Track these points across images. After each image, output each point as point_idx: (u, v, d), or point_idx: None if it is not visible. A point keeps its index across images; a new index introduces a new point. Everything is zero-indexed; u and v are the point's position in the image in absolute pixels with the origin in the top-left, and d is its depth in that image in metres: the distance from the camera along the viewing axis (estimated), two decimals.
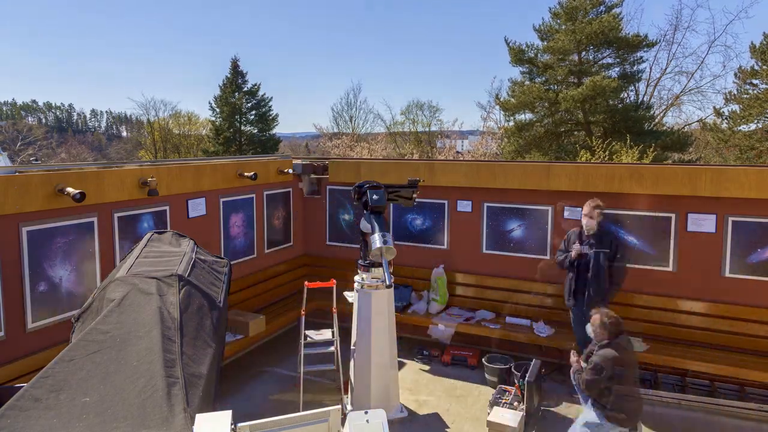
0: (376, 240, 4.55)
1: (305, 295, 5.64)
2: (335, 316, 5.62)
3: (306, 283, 5.62)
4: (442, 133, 33.25)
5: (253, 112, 40.58)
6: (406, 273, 7.19)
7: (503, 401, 5.32)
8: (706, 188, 5.76)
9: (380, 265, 4.97)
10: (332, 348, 5.68)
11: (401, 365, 5.62)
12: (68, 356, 2.30)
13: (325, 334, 5.82)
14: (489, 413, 5.13)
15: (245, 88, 40.01)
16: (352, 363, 5.36)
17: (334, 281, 5.60)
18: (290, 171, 7.80)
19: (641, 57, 28.47)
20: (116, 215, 5.44)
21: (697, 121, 30.09)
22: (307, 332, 5.78)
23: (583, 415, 4.67)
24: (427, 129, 35.22)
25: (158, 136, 46.47)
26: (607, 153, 20.74)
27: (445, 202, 7.20)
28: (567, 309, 6.62)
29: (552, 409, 5.59)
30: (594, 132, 26.88)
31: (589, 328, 4.72)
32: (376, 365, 5.18)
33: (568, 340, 6.21)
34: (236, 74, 39.89)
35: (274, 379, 6.31)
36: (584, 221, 5.69)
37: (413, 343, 7.13)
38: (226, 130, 39.79)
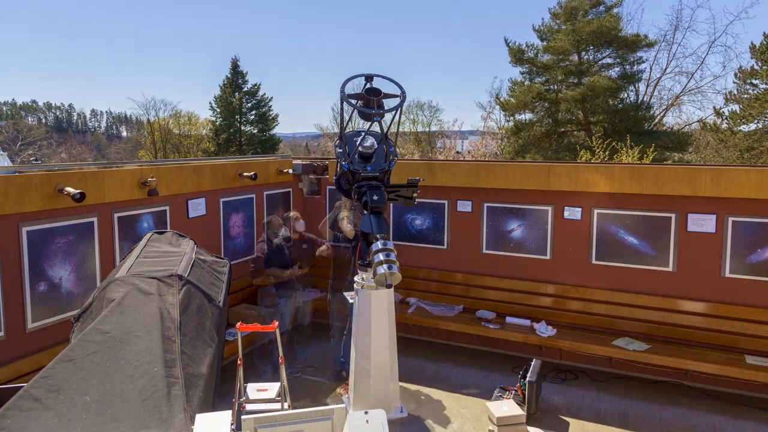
0: (383, 265, 4.39)
1: (240, 342, 4.48)
2: (283, 368, 4.52)
3: (239, 325, 4.45)
4: (442, 133, 33.23)
5: (253, 112, 40.61)
6: (406, 273, 7.19)
7: (504, 400, 5.32)
8: (706, 188, 5.76)
9: None
10: (278, 405, 4.42)
11: (401, 365, 5.61)
12: (68, 356, 2.30)
13: (270, 391, 4.56)
14: (493, 410, 5.12)
15: (245, 88, 40.03)
16: (352, 363, 5.36)
17: (276, 323, 4.56)
18: (290, 171, 7.80)
19: (641, 57, 28.54)
20: (116, 215, 5.44)
21: (697, 121, 30.08)
22: (248, 385, 4.64)
23: None
24: (427, 129, 35.20)
25: (158, 136, 46.44)
26: (607, 153, 20.74)
27: (445, 202, 7.20)
28: (568, 309, 6.62)
29: (552, 409, 5.59)
30: (594, 132, 26.88)
31: None
32: (376, 365, 5.17)
33: (568, 339, 6.22)
34: (236, 74, 39.91)
35: (274, 379, 6.30)
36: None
37: (413, 342, 7.13)
38: (226, 130, 39.80)
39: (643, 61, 28.69)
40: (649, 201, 6.13)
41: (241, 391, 4.51)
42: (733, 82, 27.27)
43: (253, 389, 4.64)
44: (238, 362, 4.44)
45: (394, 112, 4.75)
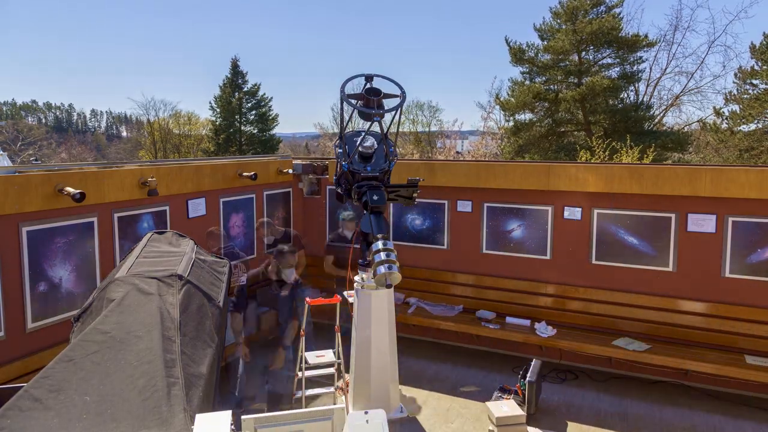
0: (382, 265, 4.40)
1: (306, 314, 5.34)
2: (338, 336, 5.42)
3: (307, 300, 5.34)
4: (442, 133, 33.22)
5: (253, 112, 40.62)
6: (406, 273, 7.18)
7: (504, 400, 5.32)
8: (706, 188, 5.76)
9: None
10: (333, 369, 5.41)
11: (401, 365, 5.61)
12: (68, 356, 2.30)
13: (327, 356, 5.48)
14: (493, 410, 5.12)
15: (245, 88, 40.05)
16: (352, 363, 5.36)
17: (339, 298, 5.38)
18: (290, 171, 7.80)
19: (641, 57, 28.55)
20: (116, 215, 5.44)
21: (697, 121, 30.10)
22: (307, 354, 5.39)
23: None
24: (427, 129, 35.20)
25: (158, 136, 46.44)
26: (607, 153, 20.74)
27: (445, 202, 7.20)
28: (568, 309, 6.62)
29: (552, 409, 5.59)
30: (594, 132, 26.88)
31: None
32: (376, 366, 5.17)
33: (568, 339, 6.22)
34: (236, 74, 39.93)
35: (274, 379, 6.30)
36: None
37: (414, 342, 7.13)
38: (226, 130, 39.80)
39: (643, 61, 28.75)
40: (649, 201, 6.13)
41: (304, 360, 5.33)
42: (733, 82, 27.32)
43: (312, 356, 5.45)
44: (302, 333, 5.29)
45: (394, 112, 4.75)
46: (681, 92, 30.54)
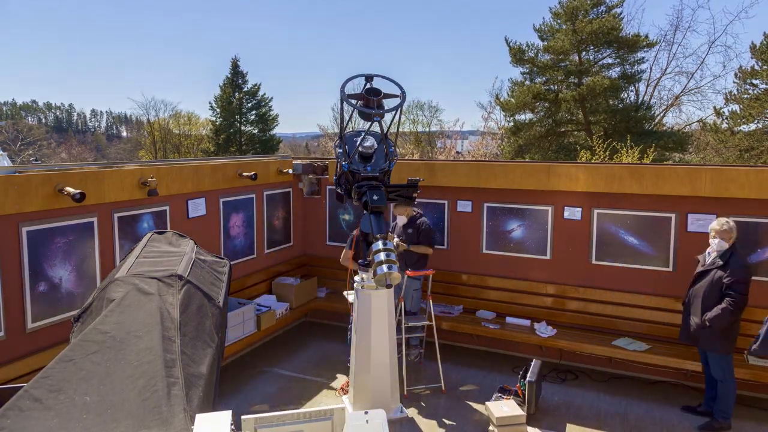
0: (382, 265, 4.41)
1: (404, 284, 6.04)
2: (430, 303, 6.15)
3: (408, 271, 5.98)
4: (442, 133, 33.19)
5: (253, 112, 40.61)
6: None
7: (504, 400, 5.32)
8: (706, 188, 5.76)
9: None
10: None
11: (401, 365, 5.61)
12: (68, 356, 2.30)
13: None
14: (493, 410, 5.11)
15: (245, 88, 40.04)
16: (352, 363, 5.36)
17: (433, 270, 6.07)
18: (290, 171, 7.80)
19: (641, 57, 28.50)
20: (116, 215, 5.44)
21: (697, 121, 30.08)
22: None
23: None
24: (427, 129, 35.18)
25: (158, 136, 46.44)
26: (607, 153, 20.72)
27: (445, 202, 7.20)
28: (568, 309, 6.63)
29: (552, 409, 5.59)
30: (594, 132, 26.88)
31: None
32: (376, 366, 5.17)
33: (568, 339, 6.22)
34: (236, 74, 39.91)
35: (274, 379, 6.31)
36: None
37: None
38: (226, 130, 39.80)
39: (644, 61, 28.70)
40: (649, 201, 6.13)
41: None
42: (733, 82, 27.27)
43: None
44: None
45: (394, 112, 4.75)
46: (681, 92, 30.55)
